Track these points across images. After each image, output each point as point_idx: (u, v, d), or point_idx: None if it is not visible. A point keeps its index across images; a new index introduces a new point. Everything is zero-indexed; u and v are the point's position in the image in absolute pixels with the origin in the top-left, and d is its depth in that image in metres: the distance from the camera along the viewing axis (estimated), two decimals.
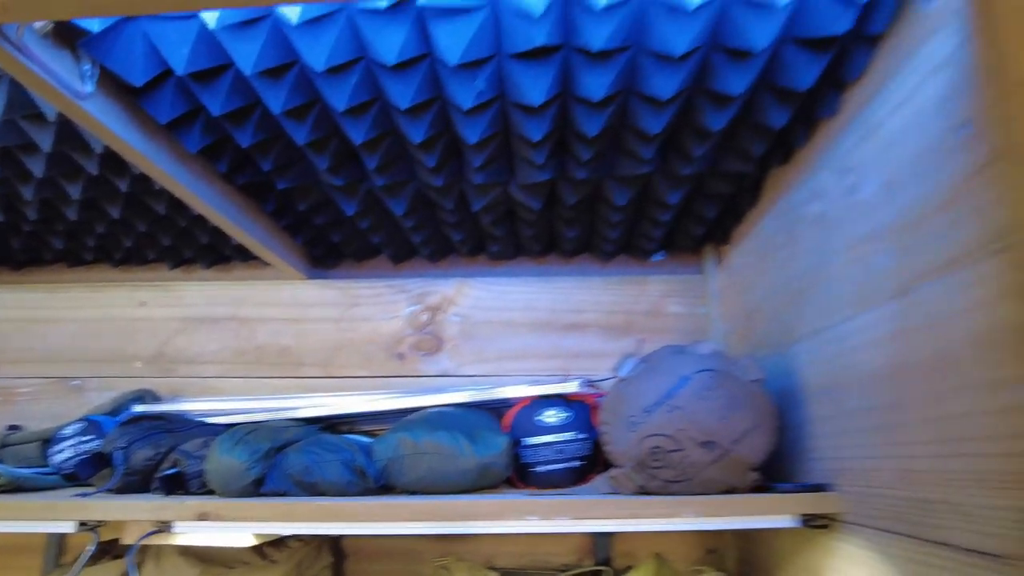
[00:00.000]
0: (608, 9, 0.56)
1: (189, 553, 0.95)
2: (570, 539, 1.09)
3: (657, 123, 0.70)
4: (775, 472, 0.84)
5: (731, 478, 0.74)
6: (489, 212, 0.97)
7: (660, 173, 0.85)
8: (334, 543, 1.10)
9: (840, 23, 0.58)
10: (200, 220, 1.04)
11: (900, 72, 0.57)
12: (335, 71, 0.64)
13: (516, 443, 0.87)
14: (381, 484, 0.85)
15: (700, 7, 0.55)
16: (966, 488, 0.48)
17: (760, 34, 0.57)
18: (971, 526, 0.48)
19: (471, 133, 0.73)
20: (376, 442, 0.87)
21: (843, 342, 0.68)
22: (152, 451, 0.89)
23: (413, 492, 0.84)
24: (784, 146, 0.79)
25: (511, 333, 1.18)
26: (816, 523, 0.70)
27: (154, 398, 1.15)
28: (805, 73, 0.63)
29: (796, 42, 0.61)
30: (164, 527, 0.74)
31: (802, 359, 0.78)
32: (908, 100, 0.56)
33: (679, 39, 0.57)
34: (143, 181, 0.90)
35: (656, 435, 0.73)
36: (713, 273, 1.16)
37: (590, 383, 0.93)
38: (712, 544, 1.09)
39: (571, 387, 0.91)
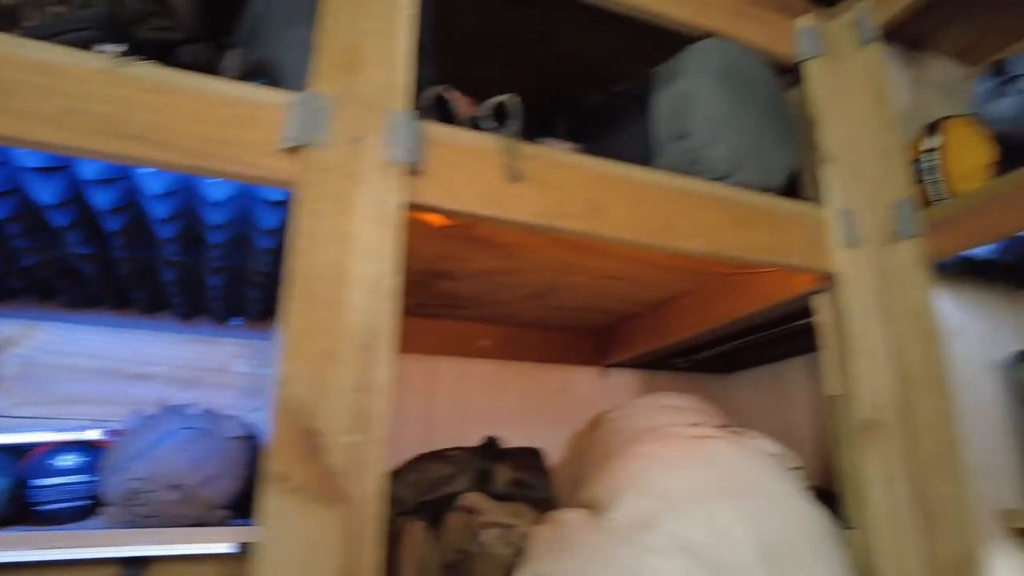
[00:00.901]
0: None
1: None
2: (95, 572, 1.18)
3: (166, 231, 0.90)
4: None
5: (199, 514, 0.93)
6: (46, 268, 1.07)
7: (198, 264, 1.05)
8: None
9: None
10: None
11: None
12: None
13: (23, 484, 0.97)
14: None
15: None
16: None
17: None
18: None
19: (1, 210, 0.85)
20: None
21: None
22: None
23: None
24: None
25: (76, 378, 1.26)
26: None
27: None
28: None
29: None
30: None
31: None
32: None
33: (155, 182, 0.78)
34: None
35: (135, 479, 0.90)
36: (279, 339, 1.38)
37: (114, 431, 1.07)
38: None
39: (95, 434, 1.03)
